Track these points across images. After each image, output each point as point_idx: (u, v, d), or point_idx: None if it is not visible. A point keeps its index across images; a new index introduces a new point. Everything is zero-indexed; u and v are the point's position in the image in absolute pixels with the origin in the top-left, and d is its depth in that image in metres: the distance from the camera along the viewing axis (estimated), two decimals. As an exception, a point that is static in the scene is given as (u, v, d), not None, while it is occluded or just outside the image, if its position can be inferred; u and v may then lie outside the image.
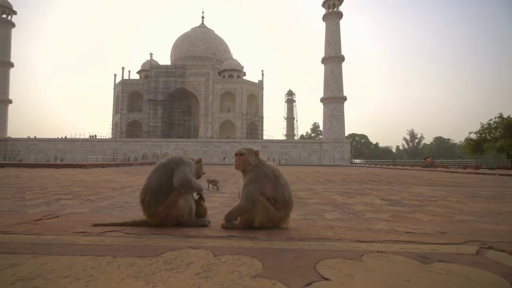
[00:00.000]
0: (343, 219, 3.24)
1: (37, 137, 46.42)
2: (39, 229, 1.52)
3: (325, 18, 47.08)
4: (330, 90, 45.48)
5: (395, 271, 1.00)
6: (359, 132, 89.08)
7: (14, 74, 55.54)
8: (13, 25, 46.11)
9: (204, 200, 1.79)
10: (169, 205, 1.59)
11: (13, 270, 0.94)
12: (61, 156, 40.39)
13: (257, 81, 60.22)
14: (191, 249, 1.20)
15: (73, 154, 43.03)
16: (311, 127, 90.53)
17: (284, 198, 1.59)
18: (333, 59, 45.59)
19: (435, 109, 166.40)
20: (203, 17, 71.27)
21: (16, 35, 65.77)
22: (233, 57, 64.91)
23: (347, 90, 49.09)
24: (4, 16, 44.79)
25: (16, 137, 46.18)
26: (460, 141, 61.01)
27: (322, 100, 46.75)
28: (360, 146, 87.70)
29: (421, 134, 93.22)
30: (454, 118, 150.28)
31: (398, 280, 0.91)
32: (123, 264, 1.01)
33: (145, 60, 61.67)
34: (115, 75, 58.54)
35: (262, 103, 59.62)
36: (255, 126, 57.63)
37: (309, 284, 0.86)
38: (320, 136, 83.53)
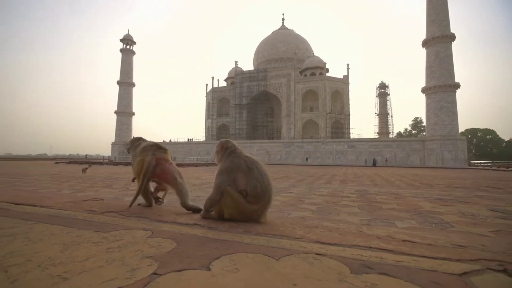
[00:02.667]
0: (415, 229, 2.75)
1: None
2: (68, 207, 1.98)
3: (425, -8, 40.22)
4: (436, 77, 38.27)
5: (299, 274, 0.85)
6: (482, 127, 71.70)
7: (135, 92, 69.83)
8: (133, 53, 59.48)
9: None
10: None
11: (13, 230, 1.31)
12: (173, 156, 48.81)
13: (341, 77, 56.89)
14: (140, 230, 1.34)
15: (175, 155, 51.29)
16: (411, 122, 78.68)
17: (255, 191, 1.54)
18: (438, 40, 38.28)
19: None
20: (283, 19, 72.69)
21: (136, 60, 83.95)
22: (315, 54, 63.39)
23: (459, 76, 40.00)
24: (128, 46, 58.20)
25: (137, 142, 58.76)
26: None
27: (424, 90, 39.90)
28: (485, 144, 70.19)
29: None
30: None
31: (280, 282, 0.78)
32: (72, 234, 1.24)
33: (231, 68, 67.59)
34: (206, 84, 66.41)
35: (348, 100, 55.81)
36: (340, 125, 54.48)
37: (180, 270, 0.85)
38: (424, 133, 71.62)
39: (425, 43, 40.29)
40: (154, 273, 0.83)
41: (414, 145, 39.35)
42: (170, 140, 55.75)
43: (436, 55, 38.53)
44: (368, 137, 46.62)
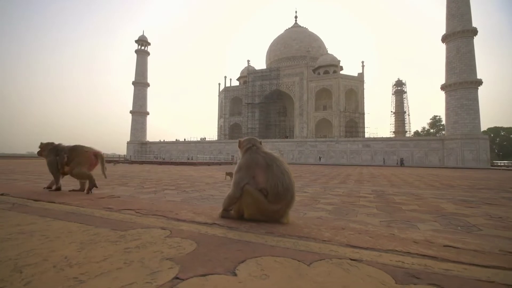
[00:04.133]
0: (438, 232, 2.59)
1: (165, 140, 58.66)
2: (85, 204, 1.96)
3: (445, -15, 38.69)
4: (456, 73, 36.74)
5: (336, 282, 0.76)
6: (505, 125, 68.52)
7: (149, 92, 71.04)
8: (148, 54, 60.60)
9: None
10: None
11: (30, 227, 1.28)
12: (190, 156, 49.54)
13: (356, 74, 55.79)
14: (157, 229, 1.28)
15: (189, 154, 51.92)
16: (430, 121, 76.18)
17: (276, 190, 1.45)
18: (459, 35, 36.70)
19: None
20: (296, 17, 72.08)
21: (150, 61, 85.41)
22: (329, 52, 62.44)
23: (480, 72, 37.72)
24: (142, 47, 59.37)
25: (152, 140, 59.86)
26: None
27: (444, 87, 38.41)
28: (509, 143, 67.00)
29: None
30: None
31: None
32: (90, 232, 1.19)
33: (243, 67, 67.66)
34: (219, 84, 66.79)
35: (363, 98, 54.64)
36: (354, 124, 53.46)
37: (204, 275, 0.78)
38: (443, 132, 69.19)
39: (445, 38, 38.79)
40: (176, 278, 0.76)
41: (433, 144, 38.02)
42: (184, 139, 56.43)
43: (457, 50, 37.02)
44: (383, 136, 45.48)
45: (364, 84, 54.82)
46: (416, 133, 77.34)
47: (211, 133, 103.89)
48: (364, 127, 53.20)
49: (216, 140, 56.62)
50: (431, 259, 0.97)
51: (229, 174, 7.54)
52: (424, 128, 77.31)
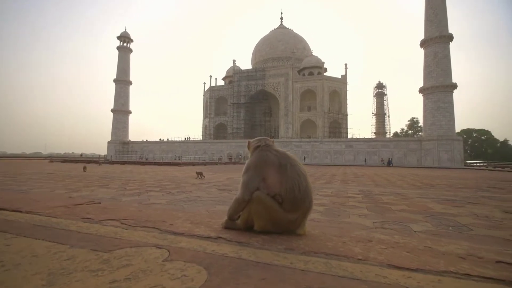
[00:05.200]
0: (433, 233, 2.58)
1: (148, 140, 57.00)
2: (59, 213, 1.64)
3: (424, -8, 40.20)
4: (433, 77, 38.19)
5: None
6: (477, 127, 72.32)
7: (132, 90, 68.83)
8: (131, 51, 58.57)
9: None
10: None
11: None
12: (175, 156, 48.26)
13: (339, 76, 56.84)
14: (151, 247, 1.02)
15: (173, 154, 50.74)
16: (408, 123, 78.97)
17: (293, 195, 1.21)
18: (436, 40, 38.21)
19: None
20: (282, 18, 72.42)
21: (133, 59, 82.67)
22: (313, 54, 63.16)
23: (456, 76, 39.37)
24: (125, 44, 57.33)
25: (134, 140, 57.99)
26: None
27: (422, 90, 39.83)
28: (480, 144, 70.74)
29: None
30: None
31: None
32: (62, 256, 0.91)
33: (229, 67, 67.10)
34: (204, 83, 65.84)
35: (346, 100, 55.73)
36: (338, 125, 54.43)
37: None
38: (420, 133, 72.00)
39: (423, 43, 40.26)
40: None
41: (411, 145, 39.36)
42: (168, 139, 55.11)
43: (434, 55, 38.52)
44: (365, 137, 46.60)
45: (347, 86, 55.93)
46: (395, 134, 79.91)
47: (196, 133, 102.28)
48: (347, 128, 54.26)
49: (201, 140, 55.76)
50: (503, 284, 0.78)
51: (199, 173, 7.54)
52: (403, 129, 79.98)
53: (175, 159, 43.12)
